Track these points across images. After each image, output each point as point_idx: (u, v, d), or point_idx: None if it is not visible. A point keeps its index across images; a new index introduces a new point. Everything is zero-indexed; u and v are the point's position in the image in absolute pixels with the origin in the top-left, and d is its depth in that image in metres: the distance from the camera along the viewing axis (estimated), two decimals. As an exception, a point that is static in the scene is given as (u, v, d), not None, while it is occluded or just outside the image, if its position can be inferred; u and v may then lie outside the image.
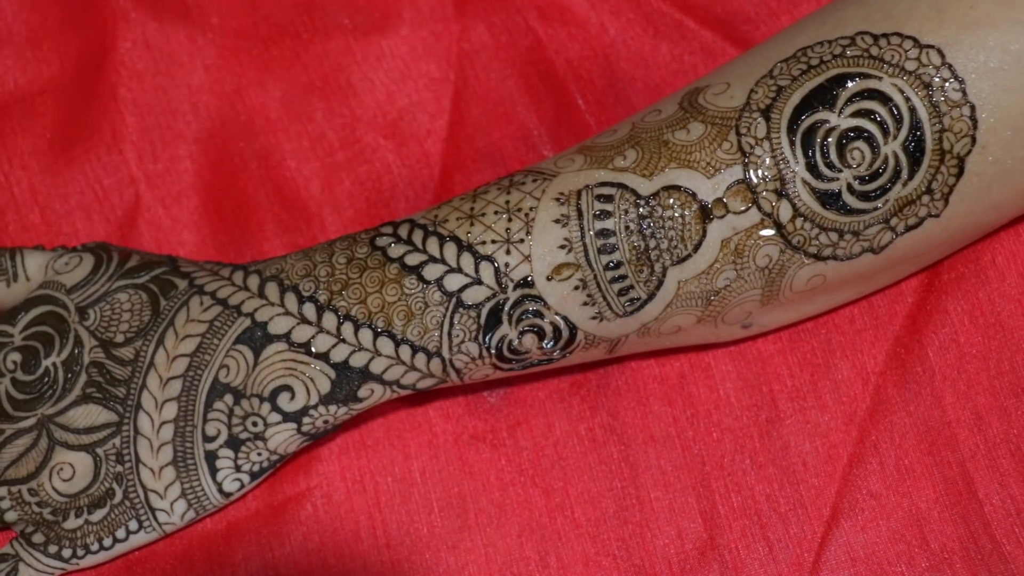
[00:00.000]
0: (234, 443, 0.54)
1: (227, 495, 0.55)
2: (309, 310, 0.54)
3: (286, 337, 0.54)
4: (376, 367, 0.53)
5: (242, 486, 0.55)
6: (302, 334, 0.54)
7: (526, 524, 0.57)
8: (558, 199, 0.52)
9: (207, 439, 0.54)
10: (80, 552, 0.55)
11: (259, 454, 0.55)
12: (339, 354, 0.53)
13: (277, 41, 0.64)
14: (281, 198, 0.63)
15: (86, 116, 0.64)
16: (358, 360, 0.53)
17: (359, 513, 0.58)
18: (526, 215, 0.53)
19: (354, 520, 0.58)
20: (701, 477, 0.57)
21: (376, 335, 0.53)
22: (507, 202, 0.53)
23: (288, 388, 0.54)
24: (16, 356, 0.56)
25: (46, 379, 0.55)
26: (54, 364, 0.55)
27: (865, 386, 0.57)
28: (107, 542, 0.55)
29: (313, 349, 0.53)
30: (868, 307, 0.58)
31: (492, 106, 0.63)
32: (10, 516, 0.55)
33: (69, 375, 0.55)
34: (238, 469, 0.55)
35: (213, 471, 0.55)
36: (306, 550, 0.57)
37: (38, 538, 0.55)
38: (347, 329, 0.53)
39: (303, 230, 0.62)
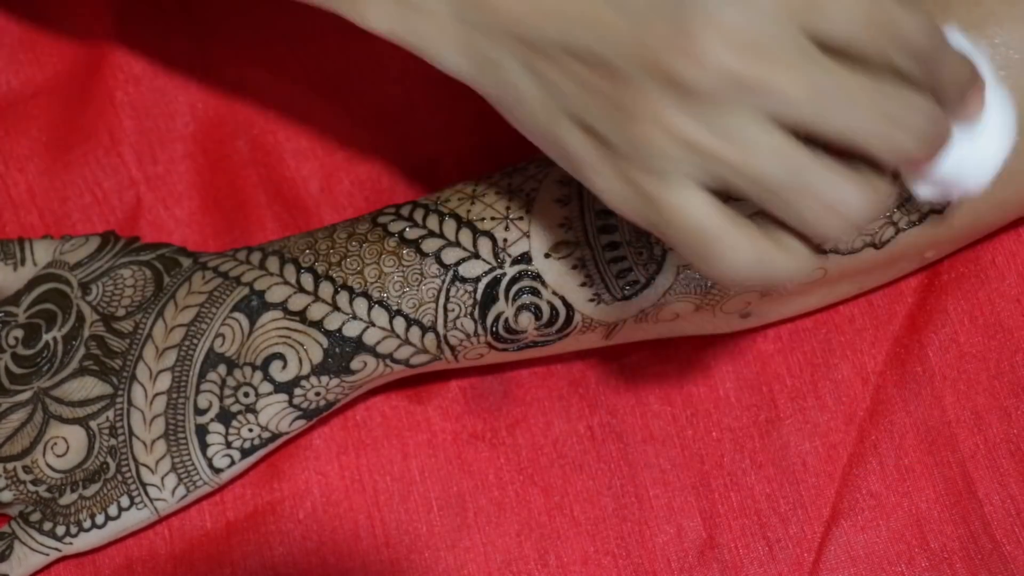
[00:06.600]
0: (225, 417, 0.54)
1: (217, 471, 0.55)
2: (307, 279, 0.54)
3: (282, 305, 0.54)
4: (369, 338, 0.53)
5: (232, 463, 0.55)
6: (298, 302, 0.54)
7: (525, 523, 0.57)
8: (560, 181, 0.53)
9: (199, 412, 0.54)
10: (73, 529, 0.55)
11: (250, 430, 0.55)
12: (333, 323, 0.53)
13: (276, 41, 0.64)
14: (281, 198, 0.63)
15: (83, 119, 0.63)
16: (352, 330, 0.53)
17: (358, 512, 0.57)
18: (527, 195, 0.53)
19: (353, 519, 0.57)
20: (700, 476, 0.57)
21: (371, 305, 0.53)
22: (509, 184, 0.53)
23: (280, 356, 0.54)
24: (19, 332, 0.56)
25: (45, 353, 0.55)
26: (54, 338, 0.55)
27: (865, 386, 0.57)
28: (99, 519, 0.55)
29: (308, 317, 0.54)
30: (868, 307, 0.58)
31: (492, 105, 0.63)
32: (5, 496, 0.55)
33: (68, 348, 0.55)
34: (229, 445, 0.55)
35: (204, 446, 0.54)
36: (305, 549, 0.57)
37: (35, 516, 0.55)
38: (342, 298, 0.53)
39: (303, 230, 0.62)
